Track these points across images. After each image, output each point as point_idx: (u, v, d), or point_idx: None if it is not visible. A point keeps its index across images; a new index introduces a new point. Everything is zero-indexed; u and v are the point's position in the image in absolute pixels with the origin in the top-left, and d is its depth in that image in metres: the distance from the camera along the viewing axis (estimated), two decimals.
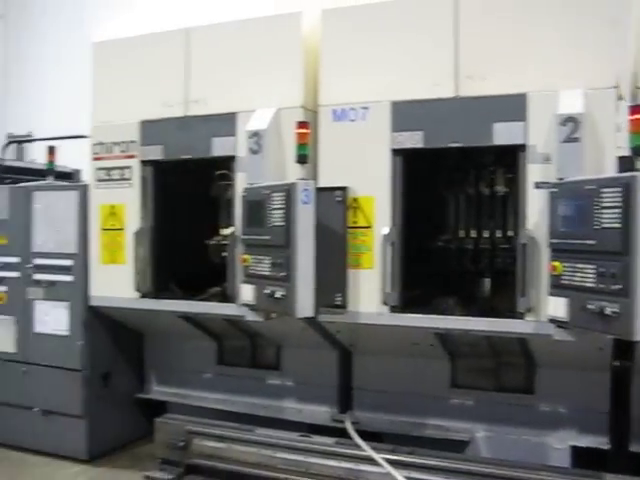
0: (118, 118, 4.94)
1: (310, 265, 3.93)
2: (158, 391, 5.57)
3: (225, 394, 5.22)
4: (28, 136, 6.79)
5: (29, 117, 9.21)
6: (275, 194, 3.98)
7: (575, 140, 3.64)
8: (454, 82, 4.01)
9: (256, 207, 4.10)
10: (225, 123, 4.53)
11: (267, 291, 3.97)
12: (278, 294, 3.89)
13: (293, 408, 4.98)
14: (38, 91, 9.51)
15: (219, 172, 4.69)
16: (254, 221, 4.12)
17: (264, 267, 4.03)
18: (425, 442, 4.39)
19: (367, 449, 4.14)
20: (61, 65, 9.17)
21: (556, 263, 3.60)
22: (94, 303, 5.09)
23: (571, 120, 3.64)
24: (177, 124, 4.72)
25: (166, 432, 4.68)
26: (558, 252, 3.62)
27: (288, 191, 3.91)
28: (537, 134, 3.84)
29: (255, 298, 4.14)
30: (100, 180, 5.03)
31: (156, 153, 4.82)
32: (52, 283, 5.20)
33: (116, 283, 4.92)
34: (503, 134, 3.91)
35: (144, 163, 4.87)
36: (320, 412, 4.87)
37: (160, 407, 5.34)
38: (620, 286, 3.23)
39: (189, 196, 4.97)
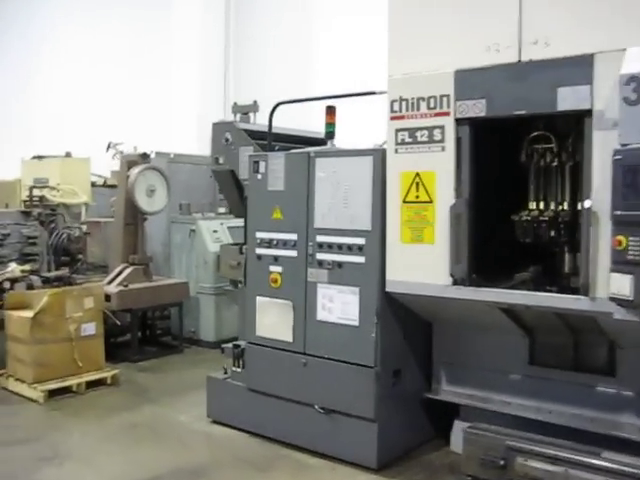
0: (425, 68, 4.13)
1: None
2: (449, 391, 4.74)
3: (537, 401, 4.33)
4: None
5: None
6: None
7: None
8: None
9: None
10: (576, 68, 3.62)
11: None
12: None
13: (633, 424, 4.02)
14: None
15: (535, 134, 4.13)
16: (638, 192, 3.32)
17: None
18: None
19: None
20: None
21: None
22: (391, 289, 4.36)
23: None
24: (507, 72, 3.85)
25: (479, 445, 4.06)
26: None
27: None
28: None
29: (635, 291, 3.32)
30: (401, 143, 4.23)
31: (477, 109, 3.96)
32: (339, 265, 4.50)
33: (421, 266, 4.19)
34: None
35: (459, 122, 4.04)
36: None
37: (449, 409, 4.76)
38: None
39: (493, 162, 4.27)
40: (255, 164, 4.96)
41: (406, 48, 4.26)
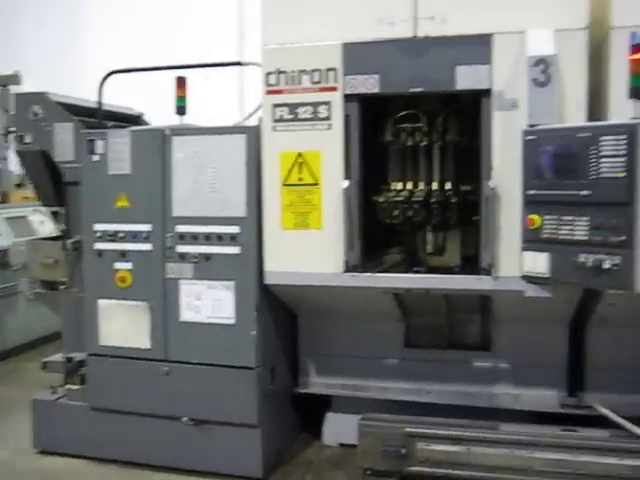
0: (308, 38, 3.78)
1: None
2: (319, 383, 4.51)
3: (415, 383, 4.31)
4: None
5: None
6: (607, 137, 3.15)
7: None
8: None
9: (560, 155, 3.32)
10: (475, 47, 3.56)
11: (583, 260, 3.24)
12: (607, 264, 3.17)
13: (509, 394, 4.21)
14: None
15: (403, 113, 3.95)
16: (556, 172, 3.32)
17: (576, 230, 3.28)
18: None
19: None
20: None
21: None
22: (271, 281, 3.99)
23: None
24: (402, 48, 3.67)
25: (377, 436, 3.87)
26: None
27: (631, 133, 3.06)
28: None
29: (553, 269, 3.37)
30: (279, 120, 3.85)
31: (370, 85, 3.71)
32: (207, 257, 4.00)
33: (307, 254, 3.88)
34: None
35: (348, 98, 3.76)
36: (544, 397, 4.19)
37: (318, 402, 4.54)
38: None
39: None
40: (90, 143, 4.18)
41: (285, 14, 3.87)
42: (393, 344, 4.33)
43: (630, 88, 3.20)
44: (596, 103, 3.56)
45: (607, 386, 4.06)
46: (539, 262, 3.41)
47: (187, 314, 4.07)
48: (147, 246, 4.13)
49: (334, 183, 3.82)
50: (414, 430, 3.85)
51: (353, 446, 4.07)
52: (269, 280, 3.99)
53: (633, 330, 3.95)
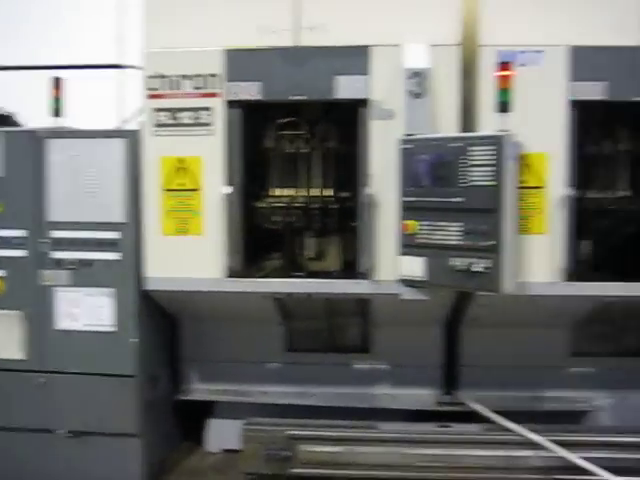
0: (190, 43, 3.78)
1: (515, 233, 3.46)
2: (202, 390, 4.48)
3: (298, 386, 4.37)
4: None
5: None
6: (476, 148, 3.37)
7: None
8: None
9: (434, 163, 3.49)
10: (354, 58, 3.69)
11: (456, 263, 3.46)
12: (478, 267, 3.40)
13: (388, 394, 4.37)
14: None
15: (284, 120, 4.00)
16: (430, 180, 3.49)
17: (449, 235, 3.46)
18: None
19: (525, 432, 3.87)
20: None
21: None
22: (153, 287, 3.93)
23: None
24: (284, 56, 3.73)
25: (259, 440, 3.90)
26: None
27: (498, 144, 3.32)
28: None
29: (429, 272, 3.56)
30: (161, 125, 3.82)
31: (252, 92, 3.75)
32: (86, 263, 3.89)
33: (188, 260, 3.85)
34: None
35: (231, 104, 3.79)
36: (421, 396, 4.36)
37: (199, 409, 4.52)
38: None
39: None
40: None
41: (167, 18, 3.85)
42: (275, 348, 4.38)
43: (497, 102, 3.41)
44: (468, 115, 3.74)
45: (480, 383, 4.28)
46: (415, 266, 3.57)
47: (64, 322, 3.95)
48: (21, 252, 3.97)
49: (215, 189, 3.82)
50: (296, 433, 3.92)
51: (237, 452, 4.08)
52: (150, 286, 3.93)
53: (503, 330, 4.18)
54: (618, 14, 3.75)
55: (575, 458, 3.74)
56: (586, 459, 3.74)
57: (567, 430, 3.99)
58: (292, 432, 3.92)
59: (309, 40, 3.75)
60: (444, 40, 3.68)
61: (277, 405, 4.34)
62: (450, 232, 3.44)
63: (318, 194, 4.11)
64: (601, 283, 3.78)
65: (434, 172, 3.46)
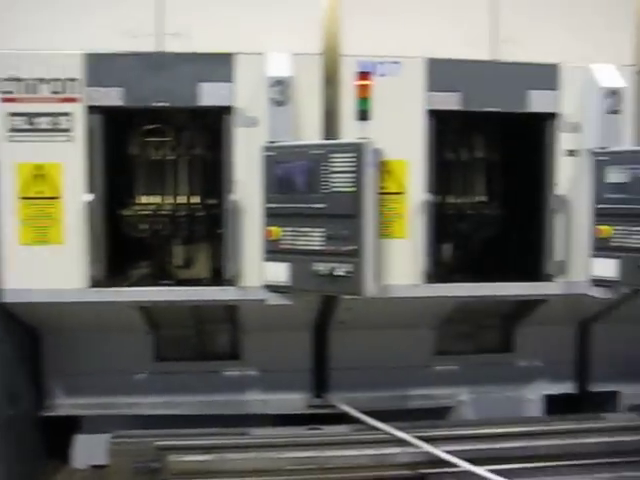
0: (46, 46, 3.65)
1: (376, 238, 3.54)
2: (67, 404, 4.32)
3: (167, 396, 4.33)
4: None
5: None
6: (337, 155, 3.43)
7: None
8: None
9: (296, 170, 3.53)
10: (218, 65, 3.70)
11: (319, 268, 3.49)
12: (340, 271, 3.47)
13: (259, 400, 4.42)
14: None
15: (149, 127, 3.98)
16: (293, 186, 3.54)
17: (312, 241, 3.51)
18: None
19: (392, 430, 3.98)
20: None
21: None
22: (9, 299, 3.76)
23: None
24: (146, 61, 3.68)
25: (127, 454, 3.81)
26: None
27: (358, 151, 3.39)
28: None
29: (293, 277, 3.60)
30: (16, 130, 3.67)
31: (113, 97, 3.68)
32: None
33: (49, 270, 3.72)
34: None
35: (92, 110, 3.69)
36: (292, 400, 4.42)
37: (63, 425, 4.34)
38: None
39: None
40: None
41: (22, 19, 3.71)
42: (142, 358, 4.30)
43: (357, 111, 3.50)
44: (331, 123, 3.84)
45: (349, 385, 4.39)
46: (279, 272, 3.60)
47: None
48: None
49: (76, 196, 3.71)
50: (165, 443, 3.86)
51: (105, 467, 3.96)
52: (7, 298, 3.76)
53: (370, 332, 4.30)
54: (471, 29, 3.96)
55: (439, 452, 3.89)
56: (450, 452, 3.90)
57: (433, 426, 4.16)
58: (161, 443, 3.85)
59: (173, 46, 3.72)
60: (306, 49, 3.76)
61: (148, 416, 4.26)
62: (313, 237, 3.50)
63: (185, 201, 4.09)
64: (459, 284, 3.98)
65: (296, 179, 3.51)
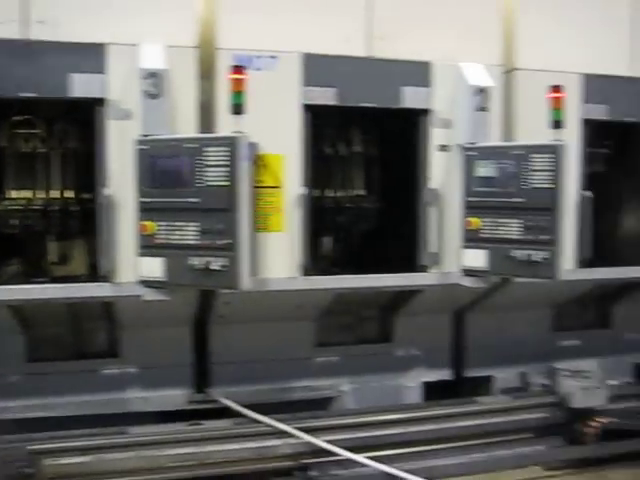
0: None
1: (252, 231, 3.51)
2: None
3: (41, 398, 4.15)
4: None
5: None
6: (211, 149, 3.39)
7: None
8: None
9: (170, 164, 3.47)
10: (88, 56, 3.58)
11: (195, 263, 3.43)
12: (216, 265, 3.39)
13: (140, 397, 4.31)
14: None
15: (18, 118, 3.86)
16: (167, 180, 3.47)
17: (186, 235, 3.46)
18: None
19: (273, 423, 4.01)
20: None
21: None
22: None
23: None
24: (12, 50, 3.52)
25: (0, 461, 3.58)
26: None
27: (232, 145, 3.36)
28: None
29: (168, 272, 3.52)
30: None
31: None
32: None
33: None
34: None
35: None
36: (173, 396, 4.36)
37: None
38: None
39: None
40: None
41: None
42: (15, 360, 4.13)
43: (231, 105, 3.49)
44: (208, 116, 3.81)
45: (231, 379, 4.39)
46: (155, 267, 3.56)
47: None
48: None
49: None
50: (39, 447, 3.73)
51: None
52: None
53: (250, 325, 4.31)
54: (347, 26, 4.02)
55: (320, 442, 3.96)
56: (331, 441, 3.98)
57: (314, 416, 4.24)
58: (35, 447, 3.72)
59: (40, 34, 3.57)
60: (181, 42, 3.72)
61: (24, 421, 4.09)
62: (187, 232, 3.47)
63: (58, 196, 3.97)
64: (336, 277, 4.06)
65: (170, 173, 3.46)
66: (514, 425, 4.46)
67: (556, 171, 3.73)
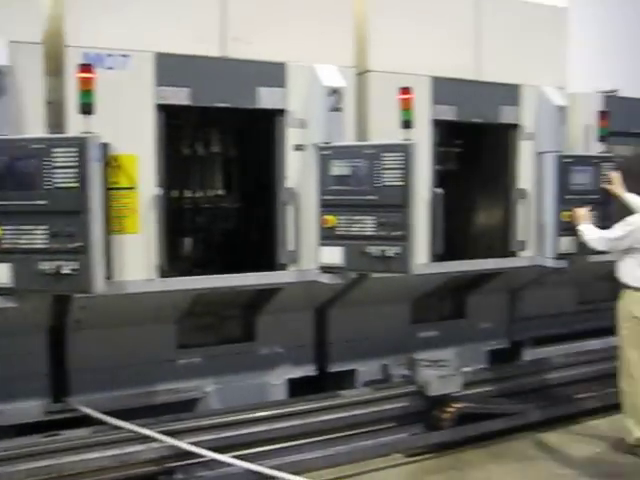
0: None
1: (105, 233, 3.45)
2: None
3: None
4: None
5: None
6: (59, 149, 3.29)
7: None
8: None
9: (15, 165, 3.33)
10: None
11: (45, 267, 3.32)
12: (67, 269, 3.28)
13: None
14: None
15: None
16: (12, 182, 3.34)
17: (34, 239, 3.35)
18: None
19: (135, 428, 3.91)
20: None
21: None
22: None
23: None
24: None
25: None
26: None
27: (81, 145, 3.28)
28: None
29: (15, 277, 3.38)
30: None
31: None
32: None
33: None
34: None
35: None
36: (29, 408, 4.14)
37: None
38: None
39: None
40: None
41: None
42: None
43: (80, 104, 3.41)
44: (57, 115, 3.69)
45: (92, 386, 4.26)
46: (1, 273, 3.41)
47: None
48: None
49: None
50: None
51: None
52: None
53: (110, 330, 4.21)
54: (201, 26, 4.01)
55: (183, 444, 3.92)
56: (196, 443, 3.95)
57: (177, 419, 4.19)
58: None
59: None
60: (26, 37, 3.57)
61: None
62: (36, 236, 3.37)
63: None
64: (194, 277, 4.04)
65: (16, 174, 3.34)
66: (376, 416, 4.60)
67: (406, 169, 3.89)
